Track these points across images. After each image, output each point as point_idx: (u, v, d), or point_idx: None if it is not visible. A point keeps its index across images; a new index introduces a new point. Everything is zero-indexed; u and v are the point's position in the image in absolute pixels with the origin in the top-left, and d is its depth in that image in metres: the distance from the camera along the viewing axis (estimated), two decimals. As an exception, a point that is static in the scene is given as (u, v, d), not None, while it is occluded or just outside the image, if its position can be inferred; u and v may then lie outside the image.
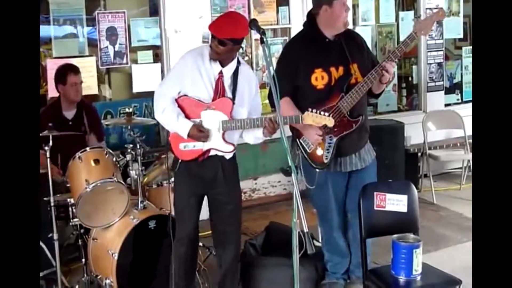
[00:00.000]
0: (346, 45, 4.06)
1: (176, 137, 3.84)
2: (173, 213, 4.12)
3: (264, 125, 3.68)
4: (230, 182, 3.93)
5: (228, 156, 3.89)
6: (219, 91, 3.77)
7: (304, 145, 4.07)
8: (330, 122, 3.60)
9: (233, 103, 3.76)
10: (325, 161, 4.03)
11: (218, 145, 3.81)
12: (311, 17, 4.13)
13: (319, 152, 4.04)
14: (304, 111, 3.90)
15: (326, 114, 3.59)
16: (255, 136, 3.88)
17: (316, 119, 3.61)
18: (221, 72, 3.77)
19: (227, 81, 3.79)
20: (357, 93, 3.93)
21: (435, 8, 7.53)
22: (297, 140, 4.10)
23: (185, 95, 3.80)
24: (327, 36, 4.05)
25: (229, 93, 3.78)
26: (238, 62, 3.83)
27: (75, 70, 5.15)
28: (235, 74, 3.80)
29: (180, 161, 3.88)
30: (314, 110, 3.57)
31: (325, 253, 4.41)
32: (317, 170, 4.06)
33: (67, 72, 5.10)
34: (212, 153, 3.83)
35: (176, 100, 3.81)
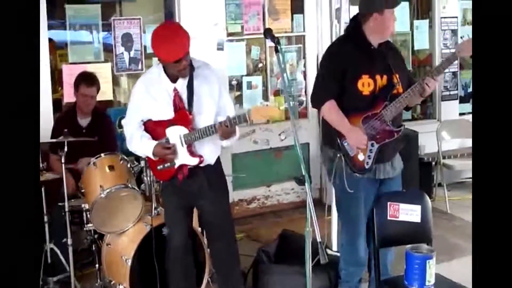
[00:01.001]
0: (388, 55, 4.08)
1: (152, 160, 3.92)
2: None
3: (217, 131, 3.66)
4: (217, 193, 3.94)
5: (212, 162, 3.89)
6: (177, 106, 3.76)
7: (347, 149, 4.02)
8: (275, 111, 3.69)
9: (191, 114, 3.74)
10: (366, 166, 4.02)
11: (185, 160, 3.81)
12: (357, 22, 4.10)
13: (361, 157, 4.02)
14: (349, 114, 3.98)
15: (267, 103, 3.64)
16: (223, 141, 3.84)
17: (263, 112, 3.73)
18: (175, 89, 3.75)
19: (184, 94, 3.76)
20: (400, 104, 3.96)
21: (450, 17, 7.55)
22: (339, 142, 4.04)
23: (149, 120, 3.87)
24: (372, 44, 4.05)
25: (186, 105, 3.76)
26: (192, 68, 3.76)
27: (89, 82, 5.13)
28: (190, 82, 3.75)
29: (161, 182, 4.02)
30: (260, 103, 3.58)
31: (341, 261, 4.37)
32: (356, 175, 4.04)
33: (80, 82, 5.11)
34: (192, 167, 3.84)
35: (144, 123, 3.89)
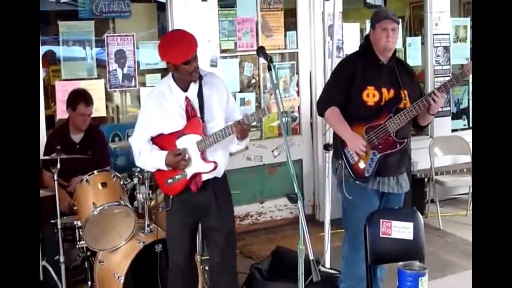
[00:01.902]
0: (398, 70, 4.17)
1: (160, 175, 3.85)
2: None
3: (233, 131, 3.66)
4: (222, 208, 3.91)
5: (219, 174, 3.87)
6: (189, 114, 3.77)
7: (348, 156, 4.12)
8: (295, 101, 3.62)
9: (203, 120, 3.75)
10: (366, 174, 4.09)
11: (200, 168, 3.78)
12: (368, 39, 4.26)
13: (362, 165, 4.10)
14: (353, 123, 4.07)
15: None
16: (234, 144, 3.84)
17: (284, 103, 3.60)
18: (186, 98, 3.77)
19: (195, 102, 3.79)
20: (405, 117, 4.03)
21: (442, 34, 7.60)
22: (341, 150, 4.16)
23: (161, 134, 3.84)
24: (381, 59, 4.16)
25: (198, 113, 3.78)
26: (200, 76, 3.81)
27: (87, 101, 5.13)
28: (200, 92, 3.79)
29: (171, 197, 3.87)
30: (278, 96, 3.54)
31: (341, 273, 4.38)
32: (357, 182, 4.12)
33: (79, 101, 5.10)
34: (204, 177, 3.81)
35: (153, 139, 3.86)
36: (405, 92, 4.13)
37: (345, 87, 4.12)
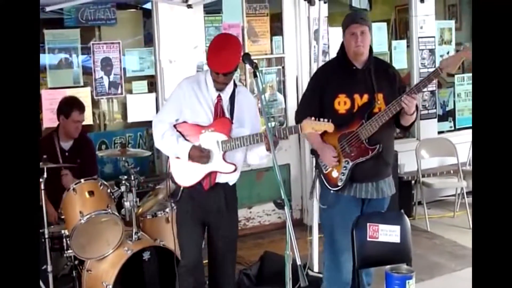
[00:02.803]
0: (374, 74, 4.11)
1: (176, 163, 3.85)
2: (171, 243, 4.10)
3: (263, 139, 3.66)
4: (231, 214, 3.96)
5: (232, 181, 3.90)
6: (218, 114, 3.81)
7: (321, 165, 4.13)
8: (330, 127, 3.67)
9: (232, 123, 3.79)
10: (339, 183, 4.06)
11: (219, 167, 3.79)
12: (343, 44, 4.23)
13: (335, 174, 4.08)
14: (327, 132, 3.96)
15: (326, 120, 3.68)
16: (259, 155, 3.88)
17: (316, 126, 3.66)
18: (219, 96, 3.81)
19: (226, 104, 3.83)
20: (376, 122, 3.97)
21: (427, 37, 7.65)
22: (316, 159, 4.19)
23: (184, 121, 3.83)
24: (355, 64, 4.11)
25: (227, 115, 3.82)
26: (235, 85, 3.89)
27: (81, 108, 5.18)
28: (232, 97, 3.85)
29: (182, 189, 3.86)
30: (313, 118, 3.66)
31: (324, 281, 4.37)
32: (331, 191, 4.10)
33: (73, 108, 5.13)
34: (218, 179, 3.83)
35: (174, 126, 3.84)
36: (380, 96, 4.06)
37: (318, 96, 4.10)
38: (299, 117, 4.05)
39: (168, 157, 3.96)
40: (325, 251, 4.33)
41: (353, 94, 4.07)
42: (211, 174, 3.81)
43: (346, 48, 4.12)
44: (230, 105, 3.84)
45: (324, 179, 4.14)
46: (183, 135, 3.82)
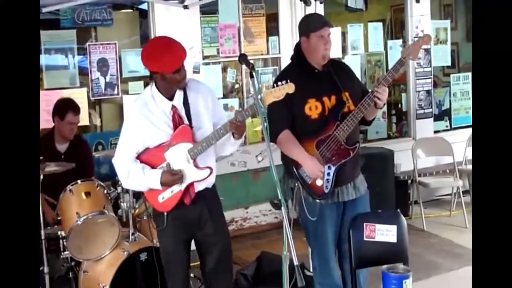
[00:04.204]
0: (335, 74, 4.05)
1: (151, 193, 3.65)
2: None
3: (228, 130, 3.49)
4: (216, 219, 3.76)
5: (210, 183, 3.71)
6: (177, 124, 3.59)
7: (303, 177, 3.98)
8: (290, 87, 3.44)
9: (191, 127, 3.59)
10: (326, 191, 3.98)
11: (194, 176, 3.59)
12: (299, 47, 4.12)
13: (319, 182, 3.97)
14: (302, 140, 3.93)
15: (283, 82, 3.43)
16: (230, 145, 3.67)
17: (276, 93, 3.44)
18: (173, 107, 3.59)
19: (182, 110, 3.62)
20: (352, 121, 3.92)
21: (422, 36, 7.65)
22: (296, 171, 4.00)
23: (147, 148, 3.62)
24: (315, 67, 4.05)
25: (186, 121, 3.61)
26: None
27: (76, 110, 5.16)
28: (185, 97, 3.63)
29: (165, 214, 3.65)
30: (271, 85, 3.46)
31: (316, 285, 4.37)
32: (317, 201, 4.01)
33: (67, 110, 5.12)
34: (196, 188, 3.63)
35: (138, 157, 3.62)
36: (347, 94, 4.01)
37: (287, 105, 3.86)
38: (277, 131, 3.90)
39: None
40: (314, 259, 4.29)
41: (322, 97, 3.99)
42: (189, 187, 3.61)
43: (310, 51, 4.00)
44: (185, 109, 3.62)
45: (308, 190, 4.01)
46: (148, 163, 3.60)
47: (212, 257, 3.74)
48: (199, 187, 3.65)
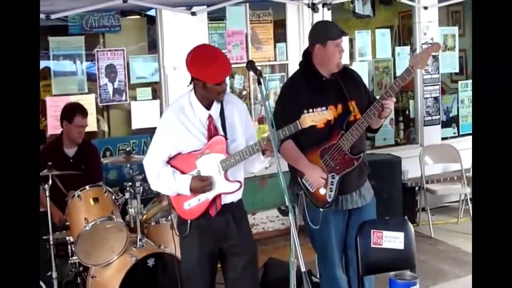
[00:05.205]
0: (343, 82, 4.03)
1: (177, 198, 3.59)
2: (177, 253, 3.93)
3: (262, 147, 3.46)
4: (243, 231, 3.69)
5: (237, 198, 3.66)
6: (212, 134, 3.55)
7: (307, 185, 3.98)
8: (329, 114, 3.45)
9: (227, 139, 3.55)
10: (329, 200, 3.97)
11: (224, 188, 3.54)
12: (307, 54, 4.12)
13: (322, 191, 3.97)
14: (306, 150, 3.93)
15: (323, 109, 3.43)
16: (258, 162, 3.63)
17: (315, 118, 3.42)
18: (210, 116, 3.56)
19: (218, 121, 3.59)
20: (357, 130, 3.91)
21: (431, 43, 7.65)
22: (299, 179, 4.01)
23: (179, 153, 3.58)
24: (324, 75, 4.04)
25: (221, 132, 3.58)
26: None
27: (84, 113, 5.20)
28: (222, 110, 3.61)
29: (189, 222, 3.59)
30: (310, 110, 3.43)
31: None
32: (321, 210, 3.99)
33: (75, 113, 5.15)
34: (223, 200, 3.58)
35: (168, 161, 3.59)
36: (353, 103, 4.00)
37: (293, 115, 3.73)
38: (285, 138, 3.75)
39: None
40: (320, 266, 4.29)
41: (328, 106, 3.84)
42: (216, 199, 3.56)
43: (324, 58, 3.99)
44: (221, 120, 3.59)
45: (311, 199, 4.00)
46: (178, 168, 3.57)
47: (237, 269, 3.65)
48: (226, 199, 3.60)
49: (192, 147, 3.54)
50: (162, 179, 3.55)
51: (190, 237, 3.60)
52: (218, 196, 3.56)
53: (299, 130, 3.46)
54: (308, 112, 3.42)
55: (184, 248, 3.69)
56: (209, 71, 3.42)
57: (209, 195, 3.54)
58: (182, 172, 3.55)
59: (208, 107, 3.57)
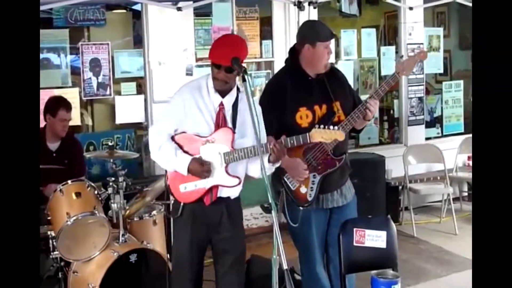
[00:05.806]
0: (328, 83, 4.04)
1: (175, 179, 3.59)
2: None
3: (269, 151, 3.42)
4: (236, 227, 3.71)
5: (234, 195, 3.67)
6: (220, 123, 3.55)
7: (288, 183, 4.00)
8: (340, 135, 3.44)
9: (234, 133, 3.53)
10: (309, 199, 3.99)
11: (222, 180, 3.54)
12: (294, 53, 4.10)
13: (303, 190, 3.99)
14: (290, 149, 3.85)
15: (336, 128, 3.44)
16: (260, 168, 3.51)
17: (325, 135, 3.42)
18: (221, 104, 3.55)
19: (228, 112, 3.57)
20: None
21: (416, 44, 7.69)
22: (281, 177, 4.02)
23: (183, 132, 3.58)
24: (310, 74, 4.03)
25: (230, 124, 3.56)
26: (238, 90, 3.61)
27: (67, 107, 5.14)
28: (235, 103, 3.59)
29: (182, 204, 3.60)
30: (322, 126, 3.42)
31: None
32: (301, 208, 4.00)
33: (59, 106, 5.09)
34: (220, 193, 3.58)
35: (172, 137, 3.58)
36: (338, 104, 4.01)
37: (276, 113, 3.87)
38: (267, 135, 3.74)
39: (166, 170, 3.70)
40: (302, 265, 4.30)
41: (313, 105, 3.97)
42: (213, 189, 3.55)
43: (313, 59, 3.98)
44: (233, 113, 3.57)
45: (292, 197, 4.02)
46: (181, 147, 3.56)
47: (224, 266, 3.69)
48: (222, 193, 3.60)
49: (198, 128, 3.55)
50: (163, 151, 3.56)
51: (182, 220, 3.62)
52: (215, 187, 3.56)
53: (307, 141, 3.47)
54: (320, 127, 3.42)
55: (176, 231, 3.72)
56: (213, 52, 3.51)
57: (207, 184, 3.54)
58: (185, 153, 3.55)
59: (222, 94, 3.57)
